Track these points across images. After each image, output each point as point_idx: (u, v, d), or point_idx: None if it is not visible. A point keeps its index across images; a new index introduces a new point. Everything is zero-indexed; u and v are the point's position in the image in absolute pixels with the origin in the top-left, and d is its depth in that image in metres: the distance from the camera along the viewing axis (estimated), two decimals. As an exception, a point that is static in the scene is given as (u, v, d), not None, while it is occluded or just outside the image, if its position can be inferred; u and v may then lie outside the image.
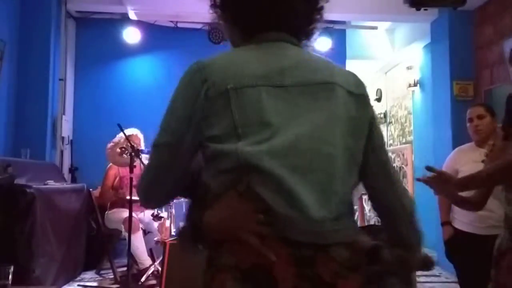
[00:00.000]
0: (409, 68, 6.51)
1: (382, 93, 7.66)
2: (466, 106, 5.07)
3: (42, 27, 4.89)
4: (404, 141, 6.83)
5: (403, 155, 6.17)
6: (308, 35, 1.19)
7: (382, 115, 7.64)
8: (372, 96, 7.62)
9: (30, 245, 3.42)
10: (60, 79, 5.27)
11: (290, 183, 0.95)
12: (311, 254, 0.93)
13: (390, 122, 7.45)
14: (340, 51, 6.32)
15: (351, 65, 6.61)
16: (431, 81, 5.67)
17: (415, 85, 6.33)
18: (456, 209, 2.90)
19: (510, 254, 1.80)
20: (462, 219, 2.90)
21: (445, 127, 5.19)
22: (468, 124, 2.96)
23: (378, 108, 7.74)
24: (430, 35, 5.60)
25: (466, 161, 2.87)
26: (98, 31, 5.82)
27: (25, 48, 4.80)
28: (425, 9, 3.82)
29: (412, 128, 6.58)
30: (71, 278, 4.28)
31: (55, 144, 5.12)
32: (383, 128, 7.34)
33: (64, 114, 5.39)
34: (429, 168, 2.26)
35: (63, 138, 5.33)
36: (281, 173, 0.96)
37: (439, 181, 2.14)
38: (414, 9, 3.69)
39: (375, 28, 6.66)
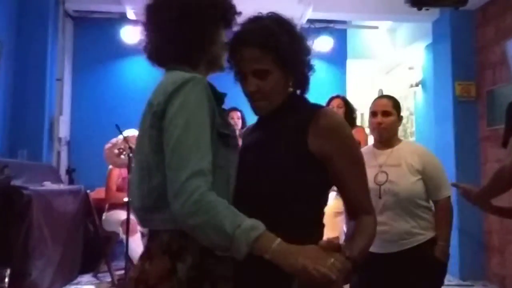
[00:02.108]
0: (410, 68, 6.50)
1: (384, 93, 7.63)
2: (469, 106, 5.10)
3: (40, 26, 4.86)
4: (405, 142, 6.81)
5: (404, 156, 6.15)
6: (187, 60, 1.34)
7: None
8: (373, 96, 7.61)
9: (26, 248, 3.38)
10: (57, 79, 5.26)
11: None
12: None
13: (391, 123, 7.44)
14: (341, 51, 6.33)
15: (352, 65, 6.60)
16: (433, 82, 5.67)
17: (416, 85, 6.32)
18: None
19: None
20: None
21: (447, 127, 5.18)
22: (369, 118, 2.56)
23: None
24: (431, 35, 5.60)
25: None
26: (96, 31, 5.80)
27: (22, 47, 4.78)
28: (427, 9, 3.82)
29: (414, 128, 6.57)
30: (68, 281, 4.26)
31: (52, 145, 5.10)
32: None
33: (61, 114, 5.38)
34: (453, 185, 2.40)
35: (60, 139, 5.32)
36: None
37: (465, 195, 2.22)
38: (415, 9, 3.69)
39: (376, 27, 6.65)
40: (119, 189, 4.70)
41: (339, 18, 6.01)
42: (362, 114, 7.83)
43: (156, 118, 1.23)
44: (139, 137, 1.31)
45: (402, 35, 6.71)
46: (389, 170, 2.39)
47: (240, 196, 1.30)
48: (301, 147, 1.31)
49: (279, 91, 1.37)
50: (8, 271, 3.14)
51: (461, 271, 4.87)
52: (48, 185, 4.05)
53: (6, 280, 3.14)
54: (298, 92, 1.45)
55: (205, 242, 1.15)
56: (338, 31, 6.25)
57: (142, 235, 4.55)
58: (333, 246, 1.13)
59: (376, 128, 2.49)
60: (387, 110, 2.48)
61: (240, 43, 1.35)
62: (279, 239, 1.12)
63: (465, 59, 5.12)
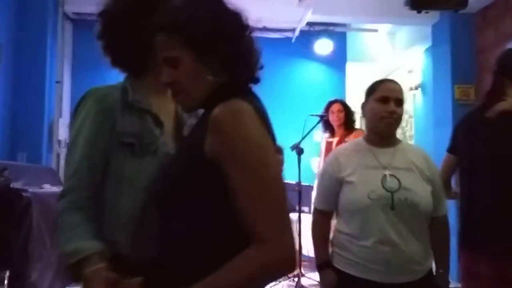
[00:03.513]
0: (410, 71, 6.49)
1: (383, 96, 7.66)
2: (468, 110, 5.08)
3: (39, 29, 4.87)
4: (404, 144, 6.81)
5: (403, 159, 6.15)
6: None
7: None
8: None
9: (26, 250, 3.37)
10: (57, 82, 5.26)
11: None
12: None
13: (390, 126, 7.44)
14: (340, 53, 6.32)
15: (351, 68, 6.60)
16: (432, 85, 5.67)
17: (416, 88, 6.32)
18: (341, 238, 1.93)
19: None
20: (350, 257, 1.88)
21: (446, 131, 5.14)
22: (374, 105, 1.95)
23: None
24: (431, 38, 5.60)
25: (355, 167, 1.93)
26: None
27: (21, 50, 4.78)
28: (426, 12, 3.82)
29: (413, 132, 6.56)
30: (67, 283, 4.23)
31: (51, 148, 5.10)
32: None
33: (61, 117, 5.37)
34: None
35: (59, 141, 5.30)
36: None
37: None
38: (415, 11, 3.68)
39: (375, 30, 6.65)
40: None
41: (339, 21, 6.00)
42: (361, 117, 7.83)
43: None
44: None
45: (402, 38, 6.71)
46: (400, 174, 1.88)
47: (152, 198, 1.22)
48: (197, 146, 1.04)
49: (197, 81, 1.10)
50: (8, 273, 3.14)
51: (458, 274, 4.86)
52: (48, 188, 4.03)
53: (6, 282, 3.14)
54: (237, 81, 1.15)
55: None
56: (338, 34, 6.25)
57: (141, 237, 4.55)
58: (121, 282, 0.99)
59: (385, 118, 1.93)
60: (401, 98, 1.97)
61: (151, 31, 1.14)
62: (99, 266, 1.06)
63: (464, 62, 5.12)
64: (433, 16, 5.15)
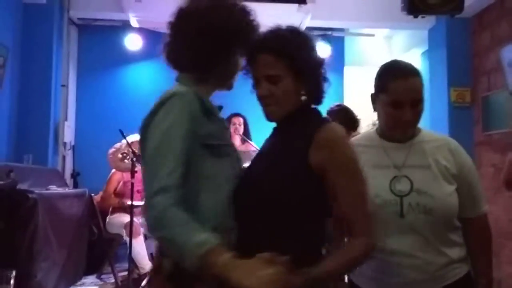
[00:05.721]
0: (407, 74, 6.52)
1: (381, 99, 7.71)
2: (464, 112, 5.14)
3: (45, 33, 4.91)
4: (402, 147, 6.84)
5: (401, 161, 6.18)
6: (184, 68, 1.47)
7: (380, 121, 7.67)
8: (369, 102, 7.68)
9: (31, 250, 3.41)
10: (62, 85, 5.30)
11: None
12: None
13: (388, 128, 7.48)
14: (338, 57, 6.34)
15: (349, 72, 6.65)
16: (429, 88, 5.69)
17: (413, 91, 6.35)
18: None
19: None
20: (365, 271, 1.60)
21: (443, 132, 5.20)
22: (387, 108, 1.62)
23: (376, 114, 7.78)
24: (427, 42, 5.64)
25: (364, 166, 1.41)
26: (100, 38, 5.87)
27: (27, 54, 4.82)
28: (423, 17, 3.86)
29: (410, 134, 6.60)
30: (72, 283, 4.28)
31: (57, 150, 5.14)
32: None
33: (66, 119, 5.42)
34: None
35: (65, 143, 5.35)
36: None
37: None
38: (411, 16, 3.73)
39: (373, 35, 6.70)
40: (119, 193, 4.75)
41: (337, 26, 6.05)
42: (359, 120, 7.87)
43: (142, 133, 1.33)
44: None
45: (399, 42, 6.76)
46: (413, 173, 1.59)
47: (240, 202, 1.36)
48: (301, 159, 1.31)
49: (290, 97, 1.39)
50: (14, 273, 3.16)
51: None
52: (53, 189, 4.08)
53: (12, 282, 3.16)
54: (312, 103, 1.45)
55: (169, 254, 1.26)
56: (336, 38, 6.31)
57: (145, 237, 4.60)
58: (274, 259, 1.11)
59: (401, 127, 1.62)
60: (418, 98, 1.59)
61: (256, 49, 1.40)
62: (228, 254, 1.12)
63: (460, 66, 5.13)
64: (429, 20, 5.18)
